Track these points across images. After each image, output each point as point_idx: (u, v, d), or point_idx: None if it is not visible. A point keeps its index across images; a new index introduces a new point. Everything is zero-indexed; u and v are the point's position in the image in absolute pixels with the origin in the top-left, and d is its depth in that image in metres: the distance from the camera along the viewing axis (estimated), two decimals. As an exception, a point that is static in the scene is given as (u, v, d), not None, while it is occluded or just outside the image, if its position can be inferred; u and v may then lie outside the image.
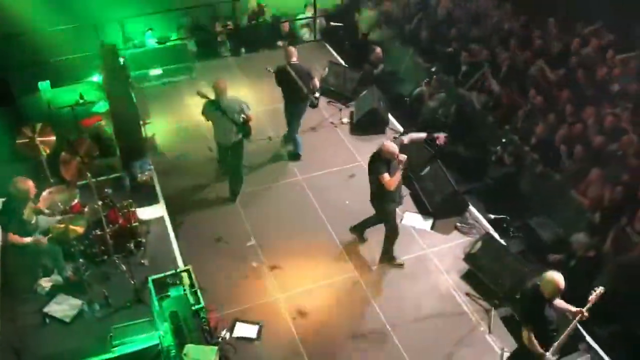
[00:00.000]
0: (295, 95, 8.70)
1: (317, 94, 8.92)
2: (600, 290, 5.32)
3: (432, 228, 7.99)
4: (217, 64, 11.66)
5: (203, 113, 7.88)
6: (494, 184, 8.53)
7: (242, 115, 7.82)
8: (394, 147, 6.74)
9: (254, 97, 10.45)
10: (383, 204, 7.01)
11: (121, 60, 9.03)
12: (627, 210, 7.12)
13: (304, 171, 8.94)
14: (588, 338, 6.35)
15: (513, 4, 10.81)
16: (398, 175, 6.79)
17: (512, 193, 8.33)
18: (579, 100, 8.55)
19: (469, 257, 7.35)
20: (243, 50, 12.11)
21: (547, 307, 5.19)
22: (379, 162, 6.75)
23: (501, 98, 9.22)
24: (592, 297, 5.34)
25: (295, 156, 9.14)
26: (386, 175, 6.68)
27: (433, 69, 10.12)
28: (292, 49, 8.73)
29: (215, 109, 7.72)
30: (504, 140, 8.52)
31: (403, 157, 6.78)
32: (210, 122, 7.97)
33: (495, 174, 8.59)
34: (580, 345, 6.27)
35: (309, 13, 12.72)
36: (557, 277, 5.12)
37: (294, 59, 8.61)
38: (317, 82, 8.79)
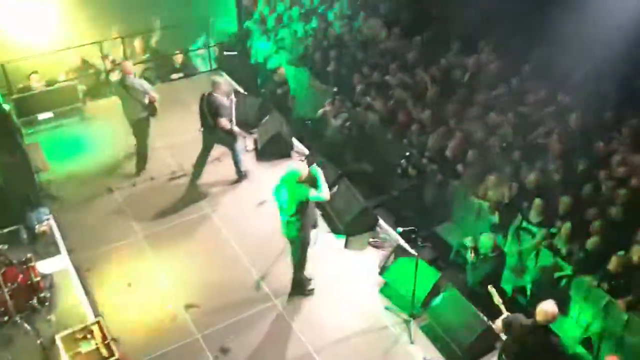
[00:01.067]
0: (205, 125, 8.70)
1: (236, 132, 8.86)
2: (492, 289, 5.88)
3: (345, 246, 8.09)
4: (110, 102, 11.25)
5: (111, 92, 9.07)
6: (400, 196, 8.79)
7: (147, 96, 8.82)
8: (304, 167, 6.75)
9: (152, 132, 10.20)
10: (305, 232, 6.88)
11: (6, 107, 8.54)
12: (521, 205, 7.57)
13: (213, 203, 8.80)
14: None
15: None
16: (324, 184, 6.76)
17: (418, 203, 8.62)
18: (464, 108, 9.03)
19: (384, 271, 7.50)
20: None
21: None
22: (299, 185, 6.63)
23: (396, 114, 9.55)
24: (496, 297, 5.76)
25: (194, 185, 9.04)
26: (314, 191, 6.63)
27: (334, 90, 10.34)
28: (218, 82, 8.67)
29: (120, 86, 8.87)
30: (407, 153, 8.81)
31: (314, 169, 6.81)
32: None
33: (401, 186, 8.85)
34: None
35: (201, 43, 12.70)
36: (554, 307, 5.41)
37: (216, 92, 8.56)
38: (223, 122, 8.57)
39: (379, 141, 9.62)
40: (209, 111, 8.52)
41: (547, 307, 5.38)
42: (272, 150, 9.76)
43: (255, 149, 9.98)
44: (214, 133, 8.73)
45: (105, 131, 10.31)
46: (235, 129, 8.80)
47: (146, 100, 8.87)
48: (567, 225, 6.99)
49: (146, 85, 8.93)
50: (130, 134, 9.28)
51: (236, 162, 9.11)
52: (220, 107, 8.54)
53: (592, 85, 8.85)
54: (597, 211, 6.97)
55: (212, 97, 8.53)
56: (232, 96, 8.85)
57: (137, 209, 8.68)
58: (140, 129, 9.13)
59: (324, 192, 6.70)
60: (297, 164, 6.82)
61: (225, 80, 8.89)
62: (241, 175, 9.18)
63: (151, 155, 9.63)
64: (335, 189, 8.51)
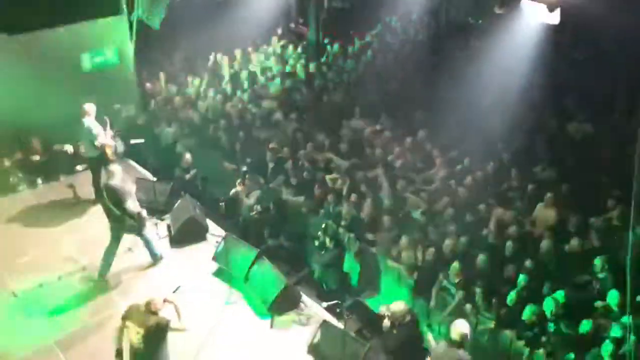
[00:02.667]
0: (110, 216, 8.46)
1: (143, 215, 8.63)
2: None
3: (271, 326, 7.91)
4: (10, 201, 10.72)
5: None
6: (321, 268, 8.79)
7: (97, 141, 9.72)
8: (159, 301, 6.36)
9: (58, 228, 9.77)
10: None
11: None
12: (440, 267, 7.79)
13: (126, 298, 8.35)
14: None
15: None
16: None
17: (339, 274, 8.65)
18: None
19: (312, 348, 7.37)
20: (39, 181, 11.32)
21: None
22: (153, 314, 6.21)
23: (312, 187, 9.73)
24: None
25: (104, 280, 8.66)
26: (171, 320, 6.36)
27: (244, 169, 10.41)
28: (113, 169, 8.52)
29: (80, 127, 9.84)
30: (323, 225, 8.90)
31: (169, 300, 6.55)
32: None
33: (321, 258, 8.87)
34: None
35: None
36: (467, 326, 5.93)
37: (113, 180, 8.38)
38: (131, 206, 8.40)
39: (296, 215, 9.70)
40: (112, 201, 8.33)
41: (460, 327, 5.86)
42: (186, 235, 9.54)
43: (169, 235, 9.73)
44: (121, 222, 8.50)
45: (5, 233, 9.77)
46: (143, 212, 8.63)
47: (96, 143, 9.79)
48: (481, 287, 7.24)
49: (97, 130, 9.84)
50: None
51: (149, 247, 8.87)
52: (122, 193, 8.38)
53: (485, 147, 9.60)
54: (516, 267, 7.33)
55: (110, 186, 8.39)
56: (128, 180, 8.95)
57: (47, 311, 8.12)
58: (91, 167, 10.15)
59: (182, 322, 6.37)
60: (154, 299, 6.39)
61: (119, 167, 8.77)
62: (156, 258, 8.92)
63: (58, 253, 9.16)
64: (254, 268, 8.40)
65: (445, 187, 9.14)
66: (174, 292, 6.49)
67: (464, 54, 13.19)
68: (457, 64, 12.80)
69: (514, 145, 9.52)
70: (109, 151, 10.00)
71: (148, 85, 13.61)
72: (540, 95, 11.26)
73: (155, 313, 6.12)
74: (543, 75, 11.88)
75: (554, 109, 10.42)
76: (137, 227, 8.63)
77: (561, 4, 8.64)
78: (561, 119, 10.14)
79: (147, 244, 8.85)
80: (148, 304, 6.10)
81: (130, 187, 8.60)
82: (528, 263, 7.45)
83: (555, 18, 8.89)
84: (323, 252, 8.82)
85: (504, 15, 9.61)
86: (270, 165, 10.35)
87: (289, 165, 10.13)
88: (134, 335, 6.06)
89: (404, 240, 8.07)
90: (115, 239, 8.64)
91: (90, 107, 9.96)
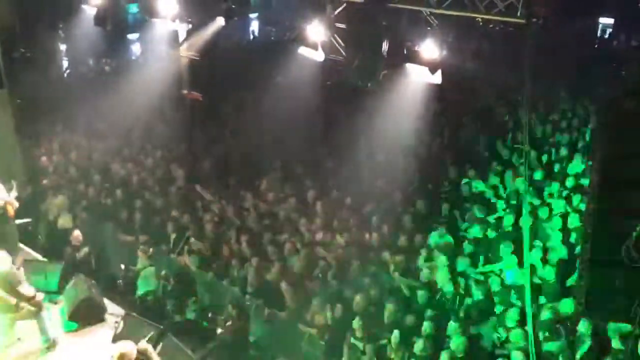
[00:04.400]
0: (3, 306, 7.87)
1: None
2: None
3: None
4: None
5: None
6: (229, 340, 8.51)
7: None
8: (131, 347, 6.17)
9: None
10: None
11: None
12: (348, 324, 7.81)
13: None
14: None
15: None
16: None
17: (249, 344, 8.40)
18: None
19: None
20: None
21: None
22: None
23: (219, 252, 9.58)
24: None
25: None
26: None
27: (143, 240, 10.05)
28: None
29: None
30: (229, 294, 8.71)
31: (142, 348, 6.30)
32: None
33: (229, 330, 8.59)
34: None
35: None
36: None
37: (1, 266, 7.80)
38: (27, 290, 7.93)
39: (201, 285, 9.41)
40: (5, 288, 7.77)
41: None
42: (82, 316, 8.91)
43: (62, 318, 9.07)
44: (15, 310, 7.91)
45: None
46: (39, 295, 8.13)
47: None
48: (396, 334, 7.32)
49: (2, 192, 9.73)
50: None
51: (43, 332, 8.22)
52: (15, 278, 7.89)
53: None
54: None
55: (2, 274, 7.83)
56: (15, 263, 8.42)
57: None
58: None
59: None
60: (124, 345, 6.21)
61: (5, 252, 8.26)
62: (51, 344, 8.26)
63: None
64: (159, 347, 7.97)
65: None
66: (147, 340, 6.13)
67: (358, 115, 13.67)
68: (349, 125, 13.29)
69: (410, 202, 10.01)
70: (10, 209, 9.86)
71: (33, 160, 12.99)
72: (429, 151, 11.89)
73: None
74: (430, 132, 12.60)
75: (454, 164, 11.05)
76: (34, 312, 8.06)
77: (442, 66, 9.32)
78: (460, 172, 10.74)
79: (42, 328, 8.23)
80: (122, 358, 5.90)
81: (20, 271, 8.09)
82: (431, 311, 7.67)
83: (437, 79, 9.54)
84: (232, 321, 8.57)
85: (390, 78, 10.18)
86: (173, 235, 10.07)
87: (193, 233, 9.93)
88: None
89: (314, 303, 8.05)
90: (6, 330, 7.99)
91: None
